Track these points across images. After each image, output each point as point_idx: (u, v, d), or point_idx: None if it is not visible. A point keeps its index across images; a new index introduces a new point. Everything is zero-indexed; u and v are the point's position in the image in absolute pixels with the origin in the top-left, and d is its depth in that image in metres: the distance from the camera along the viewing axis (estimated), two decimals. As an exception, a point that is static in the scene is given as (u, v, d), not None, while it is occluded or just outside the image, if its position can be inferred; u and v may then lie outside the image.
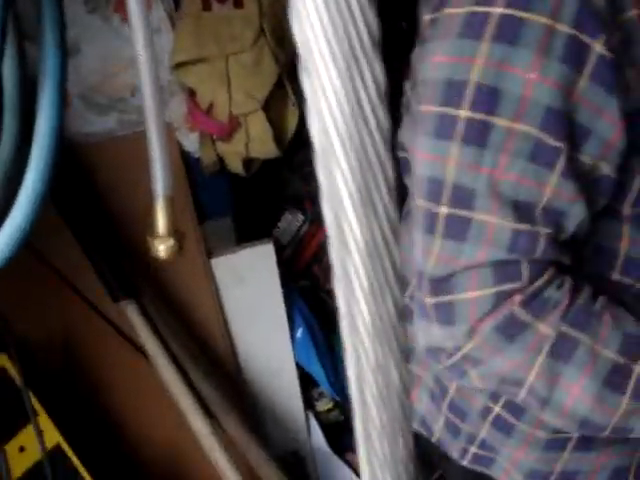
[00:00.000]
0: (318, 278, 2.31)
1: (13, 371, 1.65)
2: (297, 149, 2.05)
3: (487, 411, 1.12)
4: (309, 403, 2.26)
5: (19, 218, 0.96)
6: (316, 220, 2.29)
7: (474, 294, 0.91)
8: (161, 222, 1.19)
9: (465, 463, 1.19)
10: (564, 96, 0.88)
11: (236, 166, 1.94)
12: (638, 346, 0.94)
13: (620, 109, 0.89)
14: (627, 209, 0.97)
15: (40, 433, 1.59)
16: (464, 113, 0.89)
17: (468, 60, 0.89)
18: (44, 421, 1.67)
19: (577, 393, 0.93)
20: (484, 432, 1.14)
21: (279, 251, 2.13)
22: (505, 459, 1.14)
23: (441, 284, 0.92)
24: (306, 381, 2.22)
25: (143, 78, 1.15)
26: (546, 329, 0.92)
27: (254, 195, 2.12)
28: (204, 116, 1.87)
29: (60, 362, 1.87)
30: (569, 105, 0.88)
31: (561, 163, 0.89)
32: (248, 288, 2.06)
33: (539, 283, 0.92)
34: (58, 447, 1.68)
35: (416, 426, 1.26)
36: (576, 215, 0.92)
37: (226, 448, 1.89)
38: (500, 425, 1.11)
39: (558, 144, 0.88)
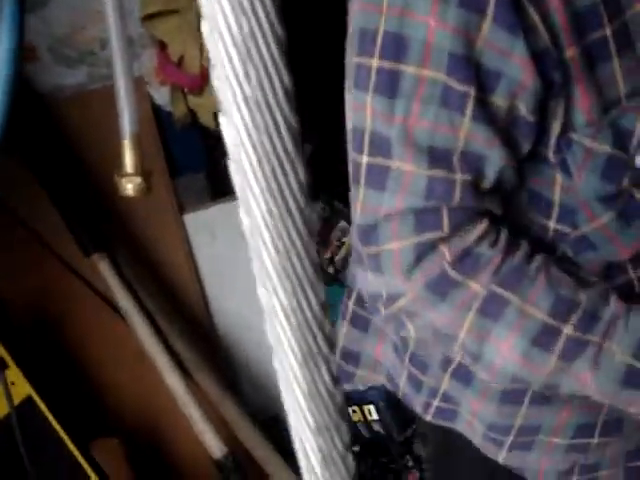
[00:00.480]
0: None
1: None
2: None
3: (447, 362, 1.12)
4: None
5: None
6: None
7: (397, 244, 0.91)
8: (129, 160, 1.18)
9: (429, 418, 1.18)
10: (466, 41, 0.87)
11: (208, 119, 1.93)
12: (569, 308, 0.94)
13: (528, 49, 0.87)
14: (551, 155, 0.96)
15: (6, 386, 1.57)
16: (375, 62, 0.89)
17: (375, 8, 0.89)
18: (14, 374, 1.66)
19: (506, 351, 0.94)
20: (445, 384, 1.13)
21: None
22: (467, 411, 1.13)
23: (369, 234, 0.93)
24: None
25: (109, 22, 1.14)
26: (477, 287, 0.92)
27: (227, 151, 2.10)
28: (175, 69, 1.86)
29: (33, 318, 1.86)
30: (473, 50, 0.87)
31: (470, 107, 0.88)
32: (221, 244, 2.05)
33: (470, 239, 0.92)
34: (29, 399, 1.67)
35: (384, 381, 1.25)
36: (496, 160, 0.91)
37: (200, 404, 1.89)
38: (460, 375, 1.11)
39: (465, 88, 0.87)
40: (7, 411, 1.62)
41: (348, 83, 0.95)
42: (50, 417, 1.70)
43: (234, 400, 2.01)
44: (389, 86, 0.89)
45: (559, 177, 0.97)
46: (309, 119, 2.77)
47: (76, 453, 1.71)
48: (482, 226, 0.92)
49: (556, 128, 0.94)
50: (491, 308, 0.93)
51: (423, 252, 0.91)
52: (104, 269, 1.83)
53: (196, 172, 2.06)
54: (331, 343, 0.44)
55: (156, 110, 1.95)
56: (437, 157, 0.89)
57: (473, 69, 0.88)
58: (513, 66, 0.88)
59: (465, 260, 0.92)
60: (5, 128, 1.14)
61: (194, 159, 2.05)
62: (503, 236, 0.94)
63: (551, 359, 0.94)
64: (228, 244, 2.05)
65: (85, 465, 1.72)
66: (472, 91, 0.87)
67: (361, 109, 0.92)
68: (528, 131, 0.92)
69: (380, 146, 0.91)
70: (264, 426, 2.03)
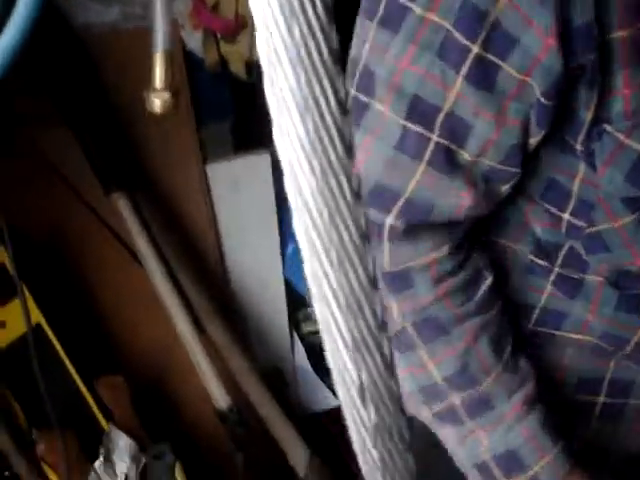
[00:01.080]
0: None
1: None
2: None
3: None
4: (296, 325, 2.24)
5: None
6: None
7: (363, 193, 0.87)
8: (158, 75, 1.17)
9: None
10: None
11: (238, 68, 1.92)
12: (467, 383, 0.90)
13: (556, 21, 0.78)
14: (578, 144, 0.88)
15: (25, 307, 1.56)
16: None
17: None
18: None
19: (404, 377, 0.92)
20: None
21: (276, 165, 2.10)
22: None
23: None
24: (295, 303, 2.20)
25: None
26: (395, 310, 0.89)
27: (255, 103, 2.09)
28: (209, 13, 1.85)
29: (49, 253, 1.85)
30: (494, 5, 0.79)
31: (468, 65, 0.80)
32: (242, 197, 2.04)
33: (414, 261, 0.87)
34: (38, 327, 1.66)
35: None
36: (480, 133, 0.83)
37: (209, 354, 1.88)
38: None
39: (467, 43, 0.80)
40: (17, 334, 1.62)
41: (359, 10, 0.91)
42: (58, 347, 1.70)
43: (243, 354, 1.99)
44: (393, 20, 0.83)
45: (582, 168, 0.90)
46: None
47: (81, 386, 1.71)
48: (438, 252, 0.88)
49: (587, 117, 0.85)
50: (399, 344, 0.90)
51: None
52: (123, 208, 1.82)
53: (222, 122, 2.05)
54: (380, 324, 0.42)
55: (187, 55, 1.94)
56: (418, 109, 0.83)
57: (485, 27, 0.79)
58: (531, 36, 0.79)
59: (396, 279, 0.89)
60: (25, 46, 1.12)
61: (221, 109, 2.04)
62: (452, 280, 0.89)
63: (427, 411, 0.93)
64: (249, 198, 2.04)
65: (89, 399, 1.72)
66: (475, 48, 0.80)
67: (362, 40, 0.87)
68: (542, 116, 0.84)
69: (367, 81, 0.86)
70: (266, 377, 2.02)
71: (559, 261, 0.95)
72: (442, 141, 0.83)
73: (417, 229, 0.87)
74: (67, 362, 1.71)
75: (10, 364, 1.61)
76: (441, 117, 0.83)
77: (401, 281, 0.88)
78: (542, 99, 0.82)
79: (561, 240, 0.94)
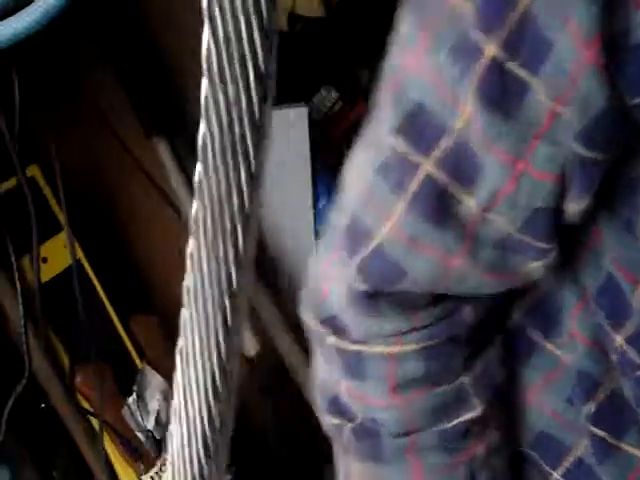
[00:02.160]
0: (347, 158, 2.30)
1: (42, 182, 1.66)
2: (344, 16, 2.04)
3: None
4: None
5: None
6: (350, 98, 2.28)
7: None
8: None
9: None
10: None
11: (281, 19, 1.93)
12: None
13: (594, 32, 0.49)
14: None
15: (72, 242, 1.60)
16: None
17: None
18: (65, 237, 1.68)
19: None
20: None
21: (310, 126, 2.12)
22: None
23: None
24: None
25: None
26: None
27: (293, 59, 2.10)
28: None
29: (87, 190, 1.87)
30: None
31: (479, 71, 0.54)
32: (277, 150, 2.06)
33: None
34: (78, 262, 1.69)
35: None
36: (490, 178, 0.57)
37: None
38: None
39: (481, 37, 0.53)
40: (59, 270, 1.66)
41: None
42: (97, 283, 1.73)
43: (272, 303, 2.03)
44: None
45: None
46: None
47: (118, 324, 1.75)
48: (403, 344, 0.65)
49: None
50: (334, 435, 0.72)
51: None
52: (163, 152, 1.85)
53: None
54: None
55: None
56: (417, 123, 0.58)
57: (509, 17, 0.51)
58: (566, 41, 0.51)
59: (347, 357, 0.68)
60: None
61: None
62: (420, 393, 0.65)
63: None
64: (284, 151, 2.06)
65: (125, 337, 1.75)
66: (492, 48, 0.53)
67: None
68: (584, 174, 0.55)
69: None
70: (296, 326, 2.05)
71: (593, 408, 0.66)
72: (437, 174, 0.58)
73: (380, 298, 0.64)
74: (105, 299, 1.74)
75: (51, 299, 1.64)
76: (444, 142, 0.57)
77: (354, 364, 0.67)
78: (580, 146, 0.54)
79: (603, 374, 0.66)
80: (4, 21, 1.00)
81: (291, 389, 1.98)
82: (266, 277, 2.09)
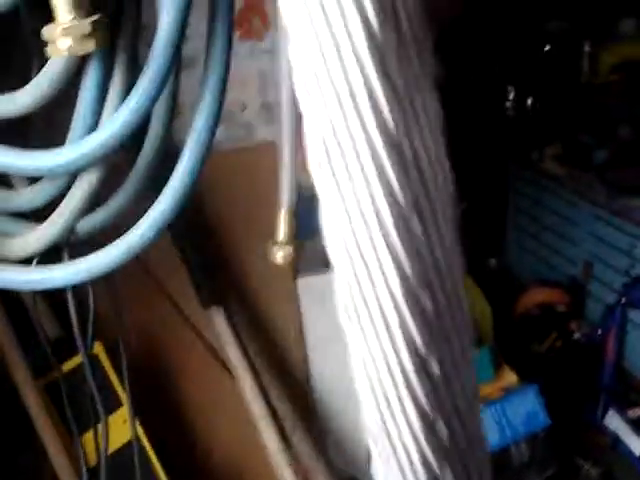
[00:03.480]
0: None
1: (104, 358, 1.71)
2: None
3: None
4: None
5: (167, 203, 1.02)
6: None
7: None
8: (282, 230, 1.25)
9: None
10: None
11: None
12: None
13: None
14: None
15: (132, 420, 1.63)
16: None
17: None
18: (125, 413, 1.72)
19: None
20: None
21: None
22: None
23: None
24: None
25: (284, 96, 1.21)
26: None
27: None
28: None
29: (141, 361, 1.93)
30: None
31: None
32: (329, 310, 2.10)
33: None
34: (137, 439, 1.72)
35: None
36: None
37: (292, 464, 1.93)
38: None
39: None
40: (116, 447, 1.69)
41: None
42: (154, 459, 1.76)
43: (324, 463, 2.04)
44: None
45: None
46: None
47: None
48: None
49: None
50: None
51: None
52: (219, 323, 1.90)
53: (314, 239, 2.12)
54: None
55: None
56: None
57: None
58: None
59: None
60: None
61: (314, 226, 2.11)
62: None
63: None
64: (336, 311, 2.10)
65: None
66: None
67: None
68: None
69: None
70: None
71: None
72: None
73: None
74: (161, 473, 1.76)
75: (109, 474, 1.66)
76: None
77: None
78: None
79: None
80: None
81: None
82: (316, 436, 2.11)
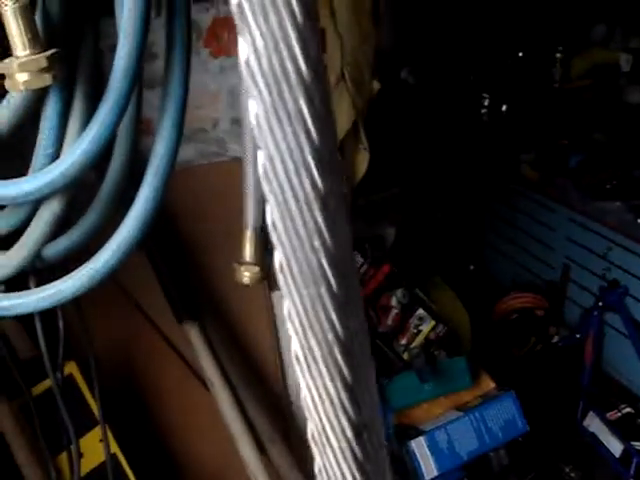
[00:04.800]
0: (372, 321, 2.36)
1: (79, 378, 1.72)
2: (360, 192, 2.12)
3: None
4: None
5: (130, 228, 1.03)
6: (374, 263, 2.35)
7: None
8: (249, 250, 1.26)
9: None
10: None
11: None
12: None
13: None
14: None
15: (106, 438, 1.64)
16: None
17: None
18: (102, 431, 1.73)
19: None
20: None
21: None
22: None
23: None
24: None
25: (246, 113, 1.22)
26: None
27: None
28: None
29: (118, 376, 1.94)
30: None
31: None
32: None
33: None
34: (114, 457, 1.73)
35: None
36: None
37: (270, 476, 1.94)
38: None
39: None
40: (94, 465, 1.70)
41: None
42: (131, 476, 1.77)
43: (302, 475, 2.05)
44: None
45: None
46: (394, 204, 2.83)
47: (152, 515, 1.78)
48: None
49: None
50: None
51: None
52: (194, 337, 1.91)
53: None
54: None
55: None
56: None
57: None
58: None
59: None
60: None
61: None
62: None
63: None
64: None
65: (159, 527, 1.78)
66: None
67: None
68: None
69: None
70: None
71: None
72: None
73: None
74: (139, 491, 1.77)
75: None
76: None
77: None
78: None
79: None
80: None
81: None
82: (294, 449, 2.12)
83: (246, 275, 1.27)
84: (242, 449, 1.94)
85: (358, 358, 0.51)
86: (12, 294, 1.14)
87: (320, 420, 0.52)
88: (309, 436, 0.52)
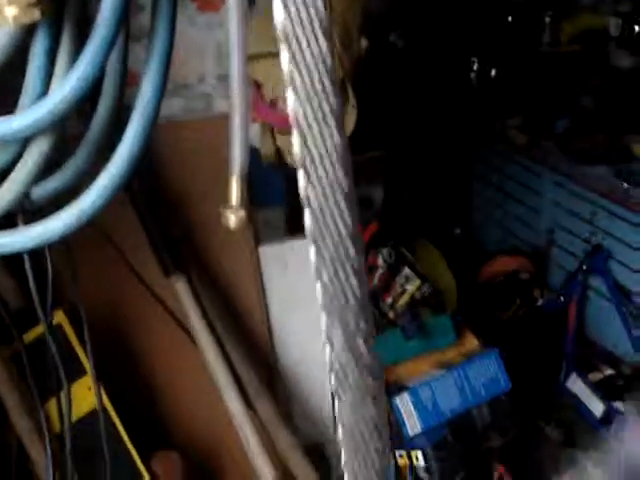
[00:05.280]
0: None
1: (68, 328, 1.73)
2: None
3: None
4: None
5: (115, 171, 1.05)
6: (362, 223, 2.36)
7: None
8: (235, 194, 1.27)
9: None
10: None
11: (293, 159, 2.02)
12: None
13: None
14: None
15: (98, 388, 1.67)
16: None
17: None
18: (90, 379, 1.75)
19: None
20: None
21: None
22: None
23: None
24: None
25: (233, 61, 1.23)
26: None
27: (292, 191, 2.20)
28: (268, 109, 1.96)
29: (107, 329, 1.95)
30: None
31: None
32: (291, 279, 2.14)
33: None
34: (103, 408, 1.75)
35: None
36: None
37: (256, 430, 1.97)
38: None
39: None
40: (81, 414, 1.72)
41: None
42: (118, 425, 1.79)
43: (288, 430, 2.08)
44: None
45: None
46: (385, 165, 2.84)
47: (139, 464, 1.80)
48: None
49: None
50: None
51: None
52: (181, 290, 1.93)
53: (275, 207, 2.15)
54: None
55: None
56: None
57: None
58: None
59: None
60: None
61: (274, 195, 2.14)
62: None
63: None
64: (297, 279, 2.14)
65: (145, 475, 1.80)
66: None
67: None
68: None
69: None
70: (309, 452, 2.10)
71: None
72: None
73: None
74: (126, 439, 1.80)
75: (74, 441, 1.70)
76: None
77: None
78: None
79: None
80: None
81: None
82: (280, 403, 2.15)
83: (232, 219, 1.29)
84: (228, 402, 1.96)
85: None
86: (-1, 232, 1.15)
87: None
88: None
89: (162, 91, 1.06)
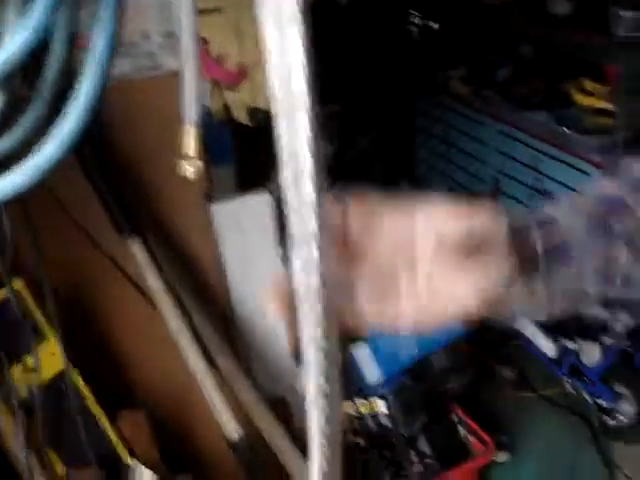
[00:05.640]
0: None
1: (27, 294, 1.72)
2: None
3: None
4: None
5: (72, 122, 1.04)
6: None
7: None
8: (192, 145, 1.27)
9: None
10: None
11: (241, 115, 2.02)
12: None
13: None
14: None
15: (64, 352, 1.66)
16: None
17: None
18: (53, 345, 1.74)
19: None
20: None
21: (276, 204, 2.21)
22: None
23: None
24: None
25: (182, 15, 1.23)
26: None
27: (256, 146, 2.20)
28: (214, 64, 1.96)
29: (67, 294, 1.94)
30: None
31: None
32: (245, 235, 2.15)
33: None
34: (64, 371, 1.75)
35: None
36: None
37: (219, 386, 1.98)
38: None
39: None
40: (55, 372, 1.72)
41: None
42: (83, 387, 1.79)
43: (251, 385, 2.10)
44: None
45: None
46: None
47: (106, 423, 1.80)
48: None
49: None
50: None
51: None
52: (137, 252, 1.92)
53: (225, 165, 2.15)
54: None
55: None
56: None
57: None
58: None
59: None
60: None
61: (224, 152, 2.14)
62: None
63: None
64: (251, 236, 2.15)
65: (113, 435, 1.81)
66: None
67: None
68: None
69: None
70: (272, 406, 2.13)
71: None
72: None
73: None
74: (92, 401, 1.80)
75: (41, 405, 1.69)
76: None
77: None
78: None
79: None
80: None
81: (273, 468, 2.05)
82: (241, 359, 2.16)
83: (190, 170, 1.29)
84: (190, 360, 1.97)
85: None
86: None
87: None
88: None
89: (115, 40, 1.06)
